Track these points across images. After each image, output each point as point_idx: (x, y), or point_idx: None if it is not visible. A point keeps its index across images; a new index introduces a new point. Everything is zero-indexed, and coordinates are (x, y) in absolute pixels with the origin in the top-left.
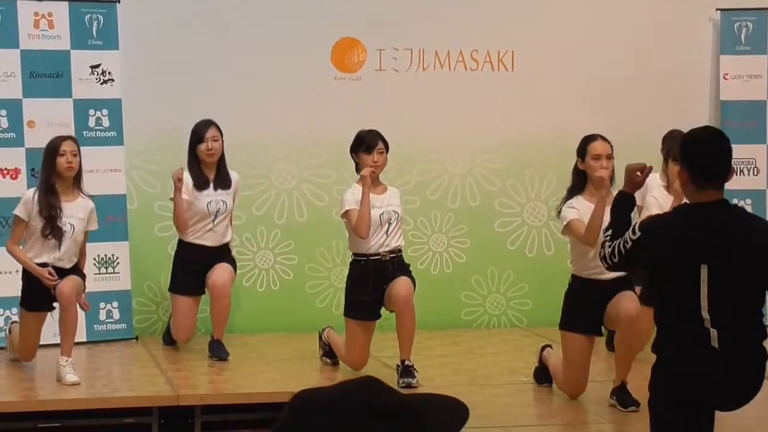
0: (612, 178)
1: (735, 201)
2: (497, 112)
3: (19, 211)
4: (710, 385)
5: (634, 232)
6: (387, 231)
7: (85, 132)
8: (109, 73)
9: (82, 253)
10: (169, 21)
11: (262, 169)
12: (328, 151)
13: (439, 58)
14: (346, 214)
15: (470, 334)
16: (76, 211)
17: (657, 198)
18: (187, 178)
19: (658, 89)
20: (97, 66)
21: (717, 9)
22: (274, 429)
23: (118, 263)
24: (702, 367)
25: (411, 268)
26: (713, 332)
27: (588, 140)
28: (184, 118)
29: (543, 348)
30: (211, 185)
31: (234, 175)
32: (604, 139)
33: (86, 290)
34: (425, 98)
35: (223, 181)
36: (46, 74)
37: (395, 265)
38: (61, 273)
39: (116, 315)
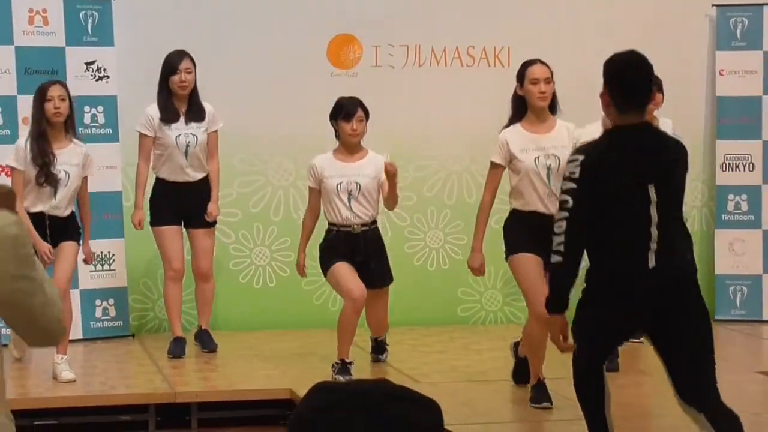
0: (554, 105)
1: (729, 197)
2: (493, 108)
3: (13, 161)
4: (642, 305)
5: (570, 179)
6: (348, 202)
7: (80, 129)
8: (105, 69)
9: (83, 203)
10: (164, 17)
11: (258, 165)
12: (324, 147)
13: (435, 55)
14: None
15: (467, 330)
16: (69, 158)
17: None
18: (154, 113)
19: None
20: (92, 63)
21: (713, 5)
22: (292, 422)
23: (114, 260)
24: (636, 284)
25: (406, 265)
26: (654, 246)
27: (527, 64)
28: None
29: (516, 345)
30: (182, 118)
31: (209, 107)
32: (543, 63)
33: (89, 250)
34: (421, 94)
35: (195, 113)
36: (40, 71)
37: (367, 238)
38: (58, 222)
39: (112, 312)
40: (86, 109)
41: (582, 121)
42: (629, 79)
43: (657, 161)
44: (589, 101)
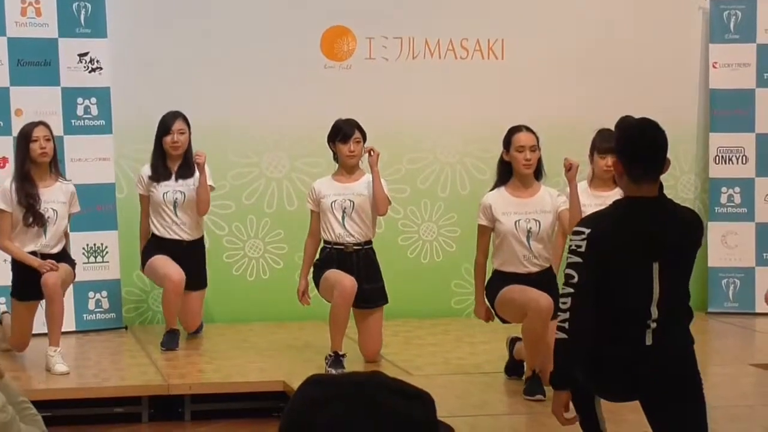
0: (539, 171)
1: (723, 189)
2: (487, 100)
3: None
4: (639, 380)
5: (577, 253)
6: (342, 220)
7: (73, 120)
8: (98, 61)
9: (66, 242)
10: (158, 9)
11: (252, 158)
12: (318, 139)
13: (429, 47)
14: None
15: (460, 323)
16: (56, 196)
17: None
18: (145, 172)
19: (648, 77)
20: (85, 54)
21: None
22: (286, 414)
23: (107, 252)
24: (634, 366)
25: (400, 257)
26: (652, 326)
27: (513, 131)
28: (173, 107)
29: (513, 341)
30: (173, 177)
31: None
32: (528, 129)
33: (75, 279)
34: (415, 87)
35: (185, 171)
36: (33, 62)
37: (360, 257)
38: (50, 256)
39: (105, 304)
40: (79, 100)
41: (576, 113)
42: (645, 152)
43: (665, 239)
44: (583, 94)
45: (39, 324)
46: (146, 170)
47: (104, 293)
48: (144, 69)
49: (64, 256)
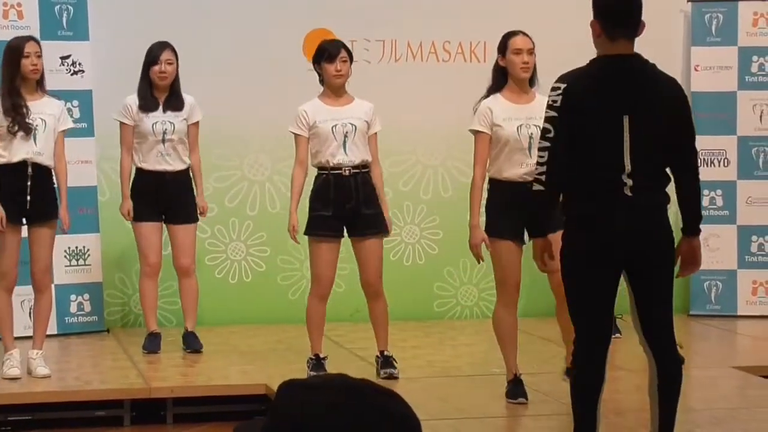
0: (533, 77)
1: (706, 192)
2: (469, 103)
3: None
4: (620, 237)
5: (550, 107)
6: (344, 144)
7: None
8: (80, 64)
9: (61, 166)
10: (140, 12)
11: (234, 160)
12: None
13: (411, 50)
14: (296, 139)
15: (443, 325)
16: (45, 108)
17: None
18: (132, 101)
19: None
20: (68, 57)
21: (688, 0)
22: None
23: (89, 255)
24: (614, 214)
25: (384, 258)
26: (629, 182)
27: (509, 35)
28: None
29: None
30: (161, 107)
31: (189, 98)
32: (525, 34)
33: (65, 215)
34: (397, 89)
35: (174, 102)
36: None
37: (358, 182)
38: (42, 174)
39: (87, 307)
40: None
41: None
42: (619, 7)
43: (637, 93)
44: None
45: (20, 327)
46: (133, 99)
47: (86, 296)
48: (126, 72)
49: (49, 193)
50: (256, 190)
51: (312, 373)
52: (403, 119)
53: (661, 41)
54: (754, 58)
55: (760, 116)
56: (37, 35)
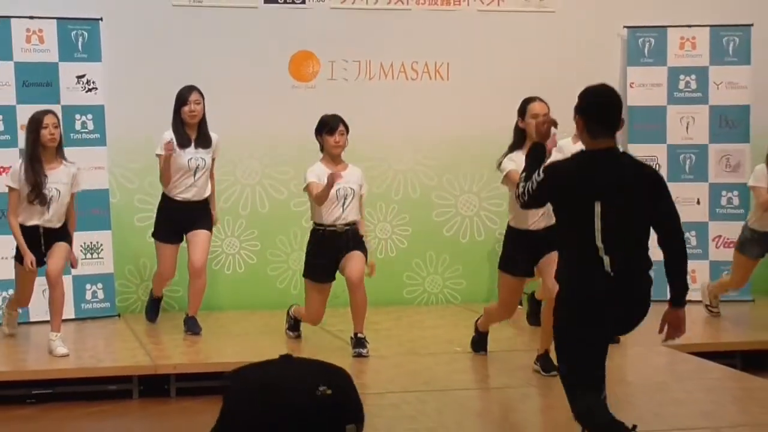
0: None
1: None
2: (434, 116)
3: (10, 181)
4: (604, 303)
5: (539, 174)
6: (343, 205)
7: (72, 134)
8: (93, 82)
9: (70, 215)
10: (147, 36)
11: (228, 166)
12: (287, 150)
13: (384, 69)
14: (307, 187)
15: (411, 310)
16: (60, 177)
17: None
18: (169, 136)
19: (575, 95)
20: (83, 76)
21: (624, 26)
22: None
23: (102, 250)
24: (598, 287)
25: (364, 239)
26: (606, 259)
27: (527, 101)
28: (160, 123)
29: (477, 320)
30: (192, 144)
31: (214, 136)
32: (541, 100)
33: (75, 256)
34: (372, 104)
35: (203, 140)
36: (37, 83)
37: (350, 236)
38: (51, 232)
39: (101, 295)
40: (77, 117)
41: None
42: (602, 109)
43: (607, 180)
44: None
45: (41, 312)
46: (169, 135)
47: (100, 285)
48: (134, 89)
49: (63, 232)
50: (248, 193)
51: (289, 333)
52: (376, 129)
53: (602, 61)
54: (681, 76)
55: (687, 127)
56: (56, 57)
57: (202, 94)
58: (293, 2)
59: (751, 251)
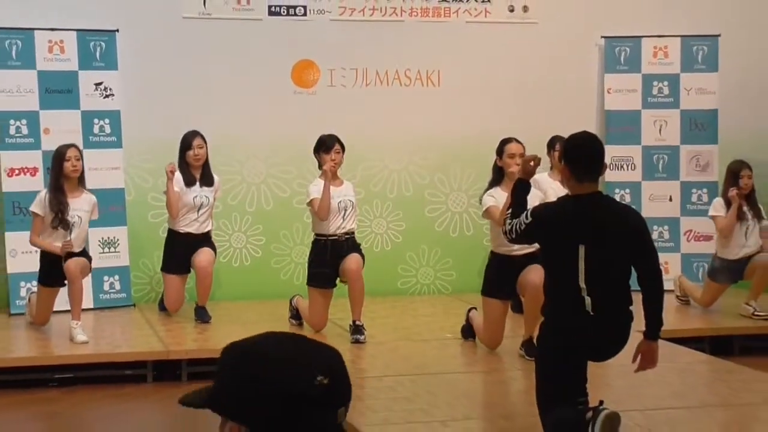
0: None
1: (616, 191)
2: (427, 119)
3: (35, 208)
4: (584, 340)
5: (527, 217)
6: (344, 216)
7: (90, 137)
8: (110, 89)
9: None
10: (159, 46)
11: (235, 166)
12: (289, 151)
13: (379, 76)
14: (310, 203)
15: (405, 299)
16: (82, 205)
17: (555, 190)
18: (179, 176)
19: (556, 101)
20: (100, 83)
21: (602, 36)
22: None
23: (118, 244)
24: (578, 326)
25: (361, 246)
26: (588, 299)
27: (505, 142)
28: (172, 126)
29: (470, 310)
30: (197, 183)
31: (216, 177)
32: (518, 141)
33: (91, 270)
34: (368, 109)
35: (207, 180)
36: (58, 90)
37: (349, 244)
38: (73, 257)
39: (117, 286)
40: (95, 121)
41: (499, 130)
42: (587, 158)
43: (592, 225)
44: (506, 114)
45: (62, 302)
46: (179, 176)
47: (116, 277)
48: (148, 95)
49: (83, 253)
50: (254, 191)
51: (292, 321)
52: (372, 133)
53: (581, 69)
54: (655, 83)
55: (660, 129)
56: (76, 66)
57: (204, 139)
58: (295, 14)
59: (721, 278)
